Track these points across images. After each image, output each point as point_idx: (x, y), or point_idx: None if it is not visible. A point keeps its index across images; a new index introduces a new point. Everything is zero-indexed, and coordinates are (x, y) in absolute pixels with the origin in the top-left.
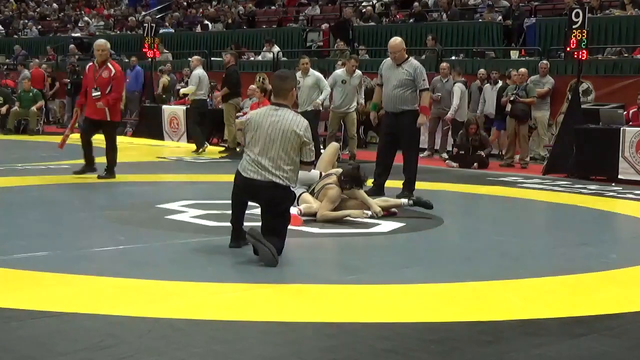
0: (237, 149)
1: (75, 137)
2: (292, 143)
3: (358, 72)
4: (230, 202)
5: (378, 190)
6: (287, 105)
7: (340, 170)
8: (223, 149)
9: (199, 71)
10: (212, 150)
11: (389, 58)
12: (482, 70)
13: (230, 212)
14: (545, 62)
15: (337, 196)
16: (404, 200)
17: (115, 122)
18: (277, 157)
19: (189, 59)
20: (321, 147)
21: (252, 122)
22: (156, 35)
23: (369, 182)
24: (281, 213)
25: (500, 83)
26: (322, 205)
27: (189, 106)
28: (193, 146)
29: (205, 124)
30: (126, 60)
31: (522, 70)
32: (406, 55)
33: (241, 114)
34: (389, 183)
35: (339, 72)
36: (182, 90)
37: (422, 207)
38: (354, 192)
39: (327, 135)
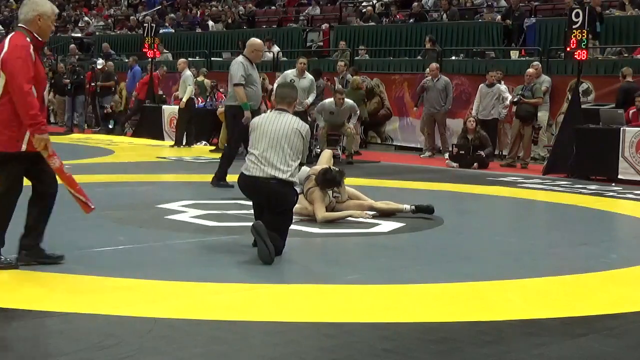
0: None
1: (75, 137)
2: (297, 140)
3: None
4: (230, 202)
5: None
6: (288, 111)
7: (316, 169)
8: (214, 148)
9: (189, 72)
10: (201, 150)
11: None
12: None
13: (229, 212)
14: (536, 62)
15: (322, 196)
16: (406, 206)
17: None
18: (284, 152)
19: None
20: (317, 147)
21: (256, 124)
22: (156, 35)
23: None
24: (284, 211)
25: (502, 83)
26: (316, 208)
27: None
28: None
29: (191, 123)
30: (126, 61)
31: (530, 70)
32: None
33: None
34: (389, 183)
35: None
36: (183, 97)
37: (424, 213)
38: (345, 191)
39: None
